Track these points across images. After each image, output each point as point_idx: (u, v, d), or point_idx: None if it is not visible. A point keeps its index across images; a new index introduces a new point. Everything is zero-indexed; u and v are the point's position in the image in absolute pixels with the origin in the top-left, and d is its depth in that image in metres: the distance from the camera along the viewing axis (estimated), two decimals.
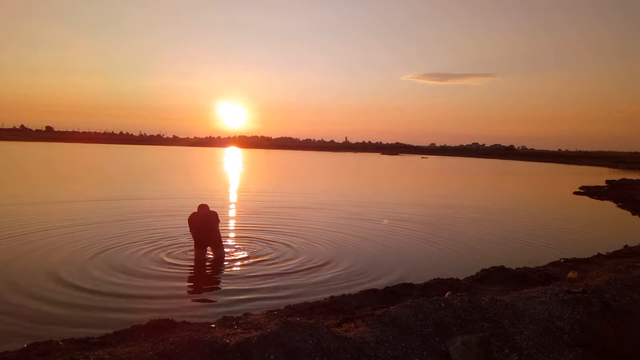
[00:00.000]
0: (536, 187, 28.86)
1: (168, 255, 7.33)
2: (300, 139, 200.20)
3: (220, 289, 6.01)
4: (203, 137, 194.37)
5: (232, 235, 9.07)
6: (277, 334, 3.11)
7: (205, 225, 7.12)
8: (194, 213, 7.25)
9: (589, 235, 11.05)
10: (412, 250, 8.56)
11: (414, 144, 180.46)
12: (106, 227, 9.48)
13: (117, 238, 8.39)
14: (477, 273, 6.52)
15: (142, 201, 14.10)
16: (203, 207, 7.36)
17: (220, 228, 7.46)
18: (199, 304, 5.44)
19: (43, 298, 5.33)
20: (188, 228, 7.20)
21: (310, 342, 3.09)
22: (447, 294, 4.67)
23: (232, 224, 10.67)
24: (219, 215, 7.37)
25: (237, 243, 8.33)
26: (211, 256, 7.22)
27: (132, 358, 3.02)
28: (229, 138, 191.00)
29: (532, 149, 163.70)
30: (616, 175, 36.78)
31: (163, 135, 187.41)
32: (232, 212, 12.78)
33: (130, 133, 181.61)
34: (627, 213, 15.60)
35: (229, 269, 6.83)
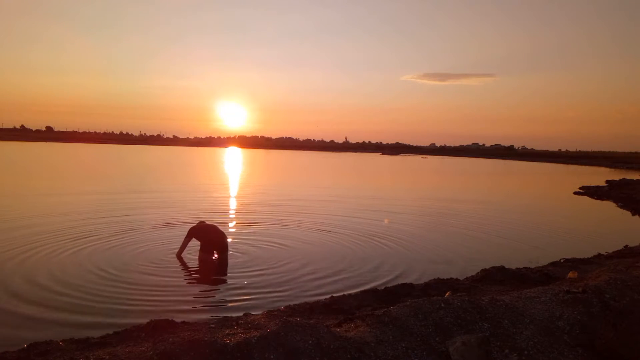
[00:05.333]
0: (536, 187, 28.86)
1: (169, 254, 7.33)
2: (301, 139, 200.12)
3: (220, 289, 6.02)
4: (203, 137, 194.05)
5: (230, 234, 9.07)
6: (277, 334, 3.11)
7: (220, 232, 7.41)
8: (208, 225, 7.51)
9: (589, 235, 11.05)
10: (412, 250, 8.55)
11: (414, 144, 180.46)
12: (106, 225, 9.45)
13: (118, 237, 8.38)
14: (477, 273, 6.52)
15: (143, 196, 14.15)
16: (202, 223, 7.60)
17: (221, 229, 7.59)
18: (199, 304, 5.44)
19: (43, 298, 5.32)
20: (194, 236, 7.31)
21: (310, 342, 3.09)
22: (447, 294, 4.67)
23: (231, 224, 10.68)
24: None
25: (236, 242, 8.33)
26: (214, 259, 7.26)
27: (132, 358, 3.02)
28: (229, 138, 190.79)
29: (532, 149, 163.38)
30: (616, 175, 36.76)
31: (163, 135, 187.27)
32: (231, 211, 12.79)
33: (130, 133, 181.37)
34: (627, 213, 15.61)
35: (229, 269, 6.83)
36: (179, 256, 7.23)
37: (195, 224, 7.53)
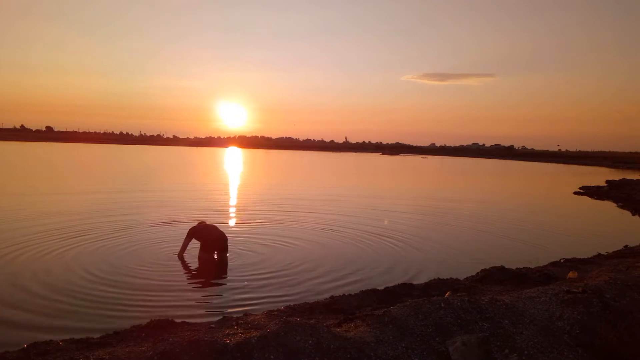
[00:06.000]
0: (536, 187, 28.86)
1: (169, 254, 7.34)
2: (301, 139, 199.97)
3: (220, 288, 6.02)
4: (203, 137, 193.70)
5: (230, 234, 9.05)
6: (277, 334, 3.11)
7: (220, 232, 7.46)
8: (208, 225, 7.56)
9: (589, 235, 11.06)
10: (413, 250, 8.55)
11: (414, 144, 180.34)
12: (105, 224, 9.45)
13: (118, 236, 8.38)
14: (477, 273, 6.52)
15: (144, 195, 14.15)
16: (202, 223, 7.63)
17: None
18: (199, 304, 5.44)
19: (43, 298, 5.32)
20: (194, 236, 7.34)
21: (310, 342, 3.09)
22: (447, 294, 4.67)
23: (232, 222, 10.67)
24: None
25: (236, 242, 8.33)
26: (214, 259, 7.28)
27: (132, 358, 3.02)
28: (229, 138, 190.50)
29: (532, 149, 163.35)
30: (616, 175, 36.78)
31: (163, 135, 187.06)
32: (231, 210, 12.78)
33: (130, 133, 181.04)
34: (627, 213, 15.61)
35: (229, 269, 6.83)
36: (179, 256, 7.23)
37: (195, 224, 7.54)
